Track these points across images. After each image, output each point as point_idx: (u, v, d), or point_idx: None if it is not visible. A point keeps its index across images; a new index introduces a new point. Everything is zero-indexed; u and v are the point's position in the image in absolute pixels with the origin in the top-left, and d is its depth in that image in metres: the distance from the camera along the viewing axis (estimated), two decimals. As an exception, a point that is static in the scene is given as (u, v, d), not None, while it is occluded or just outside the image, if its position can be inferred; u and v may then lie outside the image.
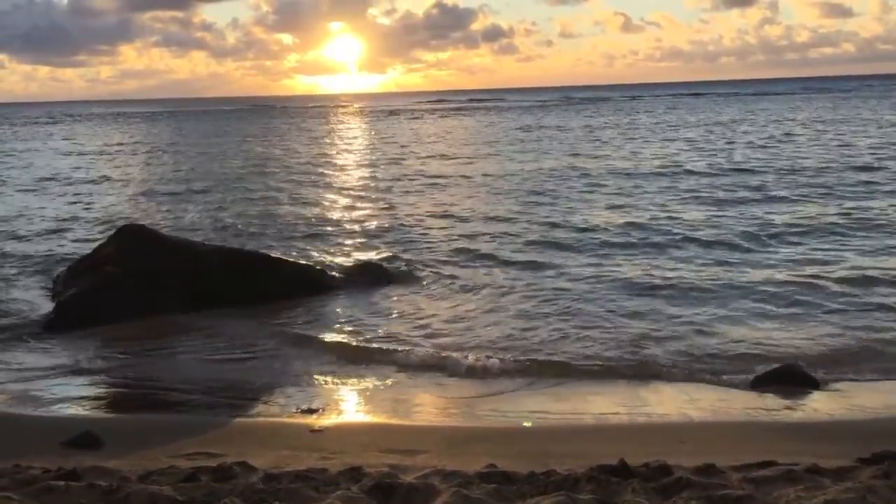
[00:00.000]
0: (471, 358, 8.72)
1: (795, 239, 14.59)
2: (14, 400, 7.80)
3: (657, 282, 11.75)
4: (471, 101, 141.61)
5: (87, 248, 13.36)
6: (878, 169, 23.96)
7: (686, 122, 54.23)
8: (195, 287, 10.82)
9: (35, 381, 8.39)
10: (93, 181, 28.58)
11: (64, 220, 19.65)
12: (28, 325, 10.46)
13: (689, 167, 25.98)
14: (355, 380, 8.41)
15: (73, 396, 8.01)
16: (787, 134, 39.65)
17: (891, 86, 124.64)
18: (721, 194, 20.23)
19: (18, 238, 16.96)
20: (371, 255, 14.05)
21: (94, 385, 8.46)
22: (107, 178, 29.32)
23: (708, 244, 14.29)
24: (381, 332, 9.93)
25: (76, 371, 8.84)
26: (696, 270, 12.46)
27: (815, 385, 7.68)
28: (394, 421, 7.18)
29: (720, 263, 12.88)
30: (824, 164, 25.59)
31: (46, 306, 11.12)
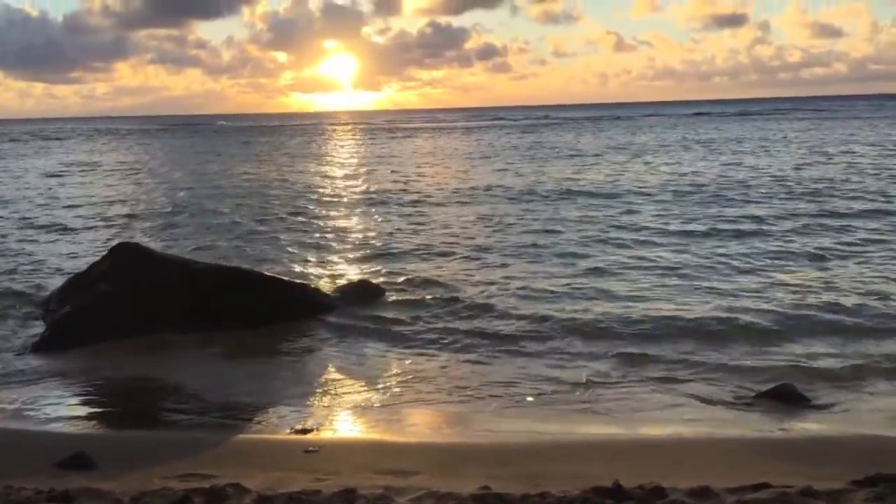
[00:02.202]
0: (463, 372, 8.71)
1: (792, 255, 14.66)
2: (6, 420, 7.76)
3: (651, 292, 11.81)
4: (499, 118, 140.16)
5: (81, 267, 13.33)
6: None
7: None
8: (190, 306, 10.78)
9: (28, 400, 8.35)
10: (87, 198, 28.50)
11: (56, 236, 19.60)
12: (21, 343, 10.43)
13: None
14: (349, 399, 8.39)
15: (65, 416, 7.97)
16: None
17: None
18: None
19: (8, 255, 16.90)
20: (365, 274, 14.03)
21: (87, 405, 8.42)
22: (101, 196, 29.27)
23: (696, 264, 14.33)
24: (374, 351, 9.93)
25: (69, 391, 8.82)
26: (688, 288, 12.50)
27: (810, 405, 7.70)
28: (388, 441, 7.16)
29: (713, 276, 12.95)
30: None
31: (39, 325, 11.09)
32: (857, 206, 20.13)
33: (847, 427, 7.22)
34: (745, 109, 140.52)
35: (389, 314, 11.48)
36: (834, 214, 18.89)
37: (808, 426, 7.30)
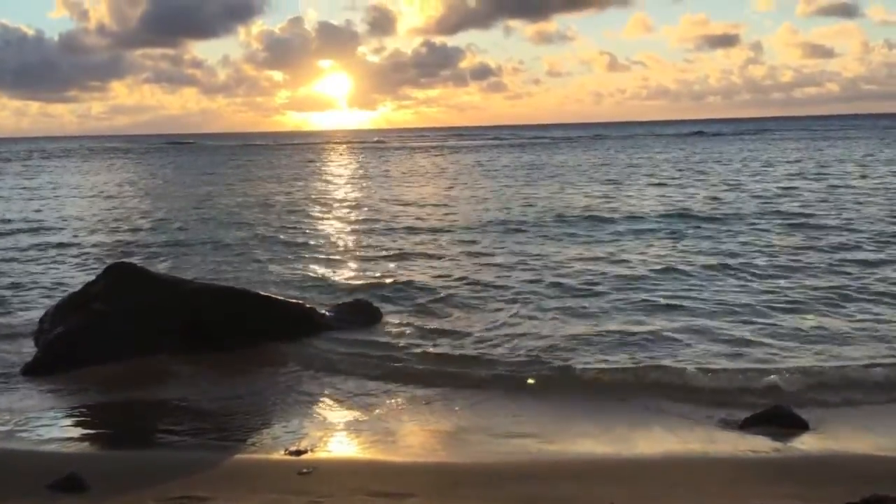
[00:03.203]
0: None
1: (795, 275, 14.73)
2: (-1, 442, 7.72)
3: (650, 324, 11.79)
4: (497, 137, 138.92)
5: (75, 286, 13.30)
6: None
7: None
8: (185, 325, 10.75)
9: (20, 422, 8.30)
10: (81, 217, 28.48)
11: (50, 255, 19.56)
12: (14, 364, 10.37)
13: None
14: (344, 420, 8.38)
15: (58, 438, 7.93)
16: None
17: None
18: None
19: (1, 275, 16.85)
20: (361, 293, 14.00)
21: (81, 426, 8.39)
22: (94, 215, 29.25)
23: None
24: (370, 372, 9.90)
25: (62, 412, 8.77)
26: (689, 313, 12.51)
27: (804, 426, 7.70)
28: (382, 463, 7.12)
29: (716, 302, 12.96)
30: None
31: (32, 345, 11.03)
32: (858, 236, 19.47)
33: (841, 448, 7.22)
34: (738, 129, 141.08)
35: (386, 335, 11.46)
36: (838, 246, 18.21)
37: (802, 447, 7.30)
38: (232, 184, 44.86)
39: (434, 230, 22.42)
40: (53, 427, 8.25)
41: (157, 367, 10.15)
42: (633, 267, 16.05)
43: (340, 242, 21.17)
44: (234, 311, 11.16)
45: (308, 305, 12.49)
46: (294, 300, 12.71)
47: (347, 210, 29.58)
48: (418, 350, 10.72)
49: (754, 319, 11.75)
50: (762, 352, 10.23)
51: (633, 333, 11.15)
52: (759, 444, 7.30)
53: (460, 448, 7.51)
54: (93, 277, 12.55)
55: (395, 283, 15.10)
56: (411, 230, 22.78)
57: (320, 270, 16.88)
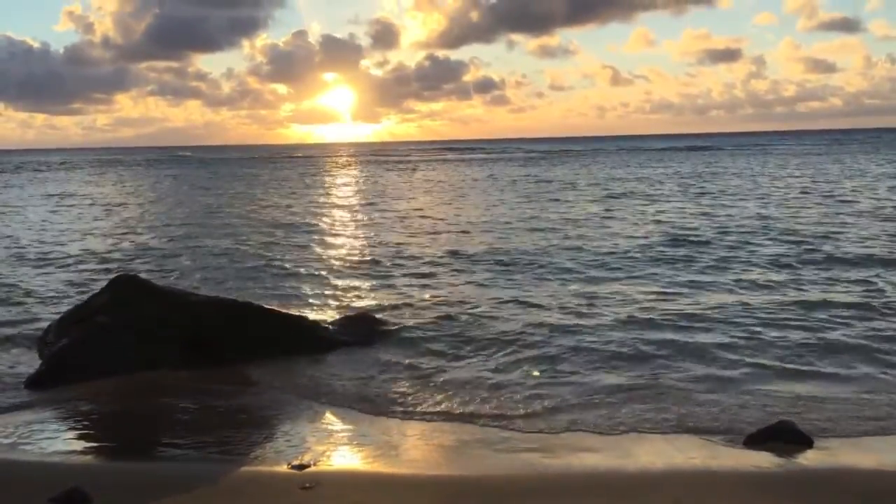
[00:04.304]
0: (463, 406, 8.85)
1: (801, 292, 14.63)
2: (2, 453, 7.72)
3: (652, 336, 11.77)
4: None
5: (79, 299, 13.33)
6: None
7: None
8: (189, 338, 10.77)
9: (24, 434, 8.31)
10: (85, 230, 28.54)
11: (53, 268, 19.60)
12: (18, 376, 10.38)
13: None
14: (347, 434, 8.37)
15: (61, 450, 7.93)
16: None
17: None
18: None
19: (4, 287, 16.86)
20: (363, 308, 14.00)
21: (84, 439, 8.39)
22: (98, 228, 29.32)
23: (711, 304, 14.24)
24: (373, 386, 9.89)
25: (65, 425, 8.78)
26: (689, 326, 12.49)
27: (809, 443, 7.67)
28: (386, 478, 7.11)
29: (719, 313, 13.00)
30: None
31: (36, 358, 11.05)
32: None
33: (845, 464, 7.20)
34: (742, 143, 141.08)
35: (387, 349, 11.46)
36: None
37: (805, 463, 7.27)
38: (235, 199, 44.75)
39: (436, 253, 22.13)
40: (56, 440, 8.26)
41: (161, 379, 10.16)
42: (631, 294, 15.80)
43: (342, 262, 20.75)
44: (236, 324, 11.18)
45: (310, 319, 12.50)
46: (297, 314, 12.72)
47: (350, 229, 29.37)
48: (423, 368, 10.64)
49: (760, 344, 11.50)
50: (768, 373, 10.12)
51: (638, 361, 10.89)
52: (762, 460, 7.28)
53: (464, 462, 7.51)
54: (97, 290, 12.58)
55: (396, 304, 14.99)
56: (413, 255, 22.44)
57: (321, 287, 16.78)
